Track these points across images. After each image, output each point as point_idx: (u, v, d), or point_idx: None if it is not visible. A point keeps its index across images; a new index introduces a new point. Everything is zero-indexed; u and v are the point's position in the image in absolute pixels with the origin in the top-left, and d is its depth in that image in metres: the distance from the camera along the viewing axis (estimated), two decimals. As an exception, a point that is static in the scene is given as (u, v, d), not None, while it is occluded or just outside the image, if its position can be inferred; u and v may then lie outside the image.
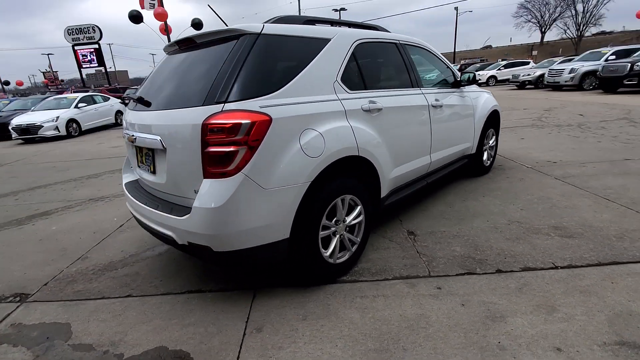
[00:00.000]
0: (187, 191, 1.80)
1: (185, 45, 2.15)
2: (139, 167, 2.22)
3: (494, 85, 21.30)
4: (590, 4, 48.13)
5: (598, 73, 12.16)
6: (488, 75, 21.62)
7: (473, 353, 1.54)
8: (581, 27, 50.45)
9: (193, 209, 1.68)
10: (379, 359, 1.55)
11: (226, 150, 1.60)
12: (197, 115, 1.66)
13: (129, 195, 2.26)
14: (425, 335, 1.67)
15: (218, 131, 1.60)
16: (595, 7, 47.96)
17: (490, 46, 76.87)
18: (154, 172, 2.02)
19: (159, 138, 1.84)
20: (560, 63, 15.52)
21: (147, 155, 2.07)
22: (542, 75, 15.48)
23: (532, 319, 1.72)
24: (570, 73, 13.29)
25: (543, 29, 56.28)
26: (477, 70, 22.09)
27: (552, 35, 57.96)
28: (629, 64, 11.06)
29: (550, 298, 1.86)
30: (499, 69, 21.69)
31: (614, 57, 12.70)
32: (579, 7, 49.13)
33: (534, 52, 45.51)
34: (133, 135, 2.05)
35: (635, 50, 12.39)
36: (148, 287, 2.24)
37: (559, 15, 52.21)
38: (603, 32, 59.29)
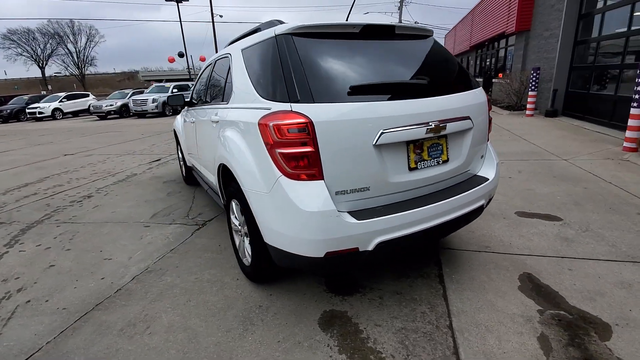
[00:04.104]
0: (474, 161, 2.10)
1: (374, 32, 1.94)
2: (417, 167, 1.83)
3: (61, 118, 18.54)
4: (80, 46, 52.12)
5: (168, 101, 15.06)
6: (53, 108, 18.38)
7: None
8: (80, 66, 53.17)
9: (497, 166, 2.19)
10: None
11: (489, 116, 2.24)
12: (482, 93, 2.13)
13: (398, 214, 1.67)
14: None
15: (487, 101, 2.19)
16: (85, 49, 52.51)
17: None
18: (446, 161, 1.94)
19: (469, 117, 1.95)
20: (135, 95, 17.02)
21: (434, 147, 1.88)
22: (125, 105, 16.39)
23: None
24: (153, 102, 15.24)
25: (40, 64, 52.86)
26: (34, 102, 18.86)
27: (54, 70, 55.72)
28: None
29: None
30: (61, 101, 19.01)
31: (176, 90, 16.11)
32: (71, 47, 51.56)
33: (49, 87, 42.84)
34: (442, 125, 1.80)
35: (188, 86, 16.55)
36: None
37: (51, 52, 51.38)
38: (104, 73, 66.83)
